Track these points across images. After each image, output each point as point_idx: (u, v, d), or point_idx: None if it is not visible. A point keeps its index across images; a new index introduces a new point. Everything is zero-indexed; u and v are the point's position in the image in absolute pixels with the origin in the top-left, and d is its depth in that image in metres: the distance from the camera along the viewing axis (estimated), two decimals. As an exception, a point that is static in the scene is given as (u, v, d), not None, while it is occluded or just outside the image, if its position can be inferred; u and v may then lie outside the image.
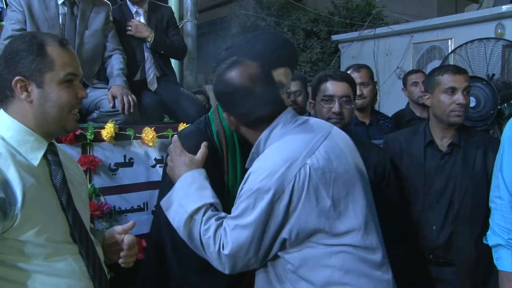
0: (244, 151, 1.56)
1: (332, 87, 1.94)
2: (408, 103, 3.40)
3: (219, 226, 1.32)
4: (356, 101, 2.72)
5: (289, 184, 1.26)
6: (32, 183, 1.16)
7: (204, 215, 1.33)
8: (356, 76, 2.77)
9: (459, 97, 2.02)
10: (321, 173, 1.28)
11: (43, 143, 1.24)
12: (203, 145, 1.47)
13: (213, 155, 1.51)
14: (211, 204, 1.36)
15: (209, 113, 1.62)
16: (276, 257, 1.35)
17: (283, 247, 1.32)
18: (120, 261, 1.41)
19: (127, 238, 1.41)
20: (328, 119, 1.88)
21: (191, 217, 1.33)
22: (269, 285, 1.38)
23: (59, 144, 1.92)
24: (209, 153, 1.48)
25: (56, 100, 1.23)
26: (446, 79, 2.06)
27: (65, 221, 1.24)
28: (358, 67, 2.85)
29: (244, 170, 1.51)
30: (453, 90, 2.04)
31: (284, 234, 1.29)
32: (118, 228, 1.43)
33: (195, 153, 1.46)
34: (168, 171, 1.48)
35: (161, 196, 1.56)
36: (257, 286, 1.44)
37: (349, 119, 1.97)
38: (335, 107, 1.91)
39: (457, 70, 2.07)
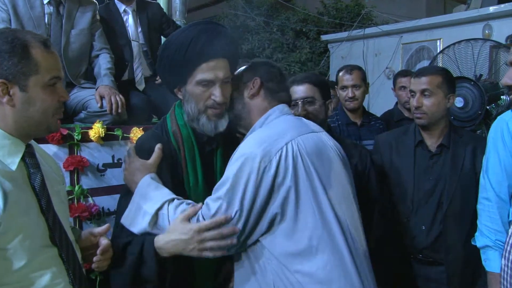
0: (203, 151, 1.56)
1: (294, 91, 1.96)
2: (396, 103, 3.39)
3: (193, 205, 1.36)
4: (348, 102, 2.76)
5: (276, 154, 1.29)
6: (11, 189, 1.13)
7: (169, 206, 1.35)
8: (348, 78, 2.79)
9: (414, 99, 2.08)
10: (308, 156, 1.32)
11: (20, 146, 1.21)
12: (157, 147, 1.49)
13: (171, 156, 1.53)
14: (172, 199, 1.38)
15: (167, 115, 1.61)
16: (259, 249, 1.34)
17: (271, 225, 1.30)
18: (93, 265, 1.36)
19: (102, 242, 1.36)
20: None
21: (156, 214, 1.35)
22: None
23: (44, 145, 1.93)
24: (166, 155, 1.50)
25: (40, 105, 1.19)
26: (410, 82, 2.15)
27: (45, 224, 1.21)
28: (351, 69, 2.83)
29: (205, 169, 1.54)
30: (413, 93, 2.10)
31: (275, 208, 1.28)
32: (94, 230, 1.39)
33: (149, 157, 1.48)
34: (124, 180, 1.52)
35: (120, 204, 1.58)
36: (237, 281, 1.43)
37: (318, 119, 1.90)
38: (297, 110, 1.93)
39: (417, 73, 2.13)
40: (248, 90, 1.52)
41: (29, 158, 1.23)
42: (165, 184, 1.46)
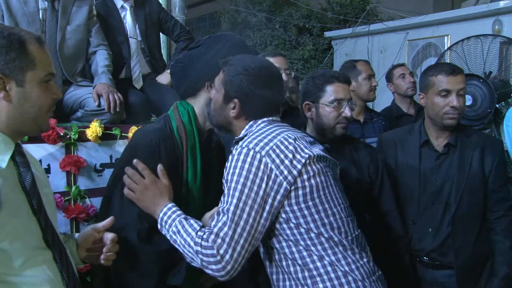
0: (205, 148, 1.64)
1: (341, 89, 1.87)
2: (393, 100, 3.36)
3: None
4: None
5: None
6: (3, 187, 1.11)
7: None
8: None
9: (452, 100, 1.96)
10: None
11: (10, 144, 1.19)
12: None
13: (174, 151, 1.58)
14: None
15: (169, 111, 1.67)
16: None
17: None
18: (102, 257, 1.38)
19: (108, 235, 1.38)
20: (336, 124, 1.86)
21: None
22: None
23: (40, 144, 1.89)
24: (169, 149, 1.57)
25: (36, 101, 1.19)
26: (440, 81, 1.99)
27: (37, 225, 1.19)
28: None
29: (203, 166, 1.62)
30: (446, 93, 1.97)
31: None
32: (97, 225, 1.39)
33: (154, 149, 1.53)
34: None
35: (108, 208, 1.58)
36: None
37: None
38: (346, 112, 1.86)
39: (452, 71, 1.99)
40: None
41: (19, 157, 1.22)
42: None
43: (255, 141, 1.36)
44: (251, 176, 1.30)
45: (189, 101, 1.66)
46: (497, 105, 2.78)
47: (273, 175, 1.31)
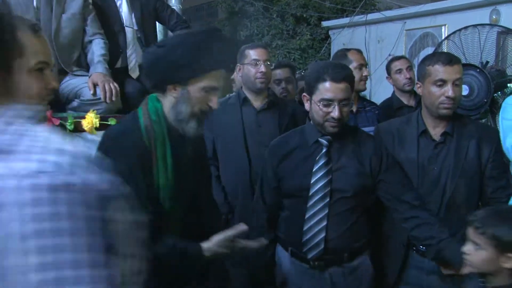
0: (174, 148, 1.52)
1: (332, 89, 1.80)
2: (393, 91, 3.35)
3: None
4: None
5: None
6: None
7: None
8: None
9: (448, 90, 1.94)
10: None
11: None
12: None
13: (142, 154, 1.47)
14: None
15: (138, 109, 1.55)
16: None
17: None
18: None
19: None
20: (325, 121, 1.83)
21: None
22: None
23: None
24: (137, 150, 1.45)
25: (25, 91, 1.13)
26: (436, 70, 1.97)
27: None
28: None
29: (176, 167, 1.51)
30: (442, 82, 1.96)
31: None
32: None
33: (128, 155, 1.41)
34: None
35: None
36: None
37: (346, 120, 1.88)
38: (335, 113, 1.79)
39: (448, 61, 1.97)
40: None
41: None
42: (138, 184, 1.40)
43: None
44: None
45: (160, 98, 1.54)
46: (494, 95, 2.78)
47: None
